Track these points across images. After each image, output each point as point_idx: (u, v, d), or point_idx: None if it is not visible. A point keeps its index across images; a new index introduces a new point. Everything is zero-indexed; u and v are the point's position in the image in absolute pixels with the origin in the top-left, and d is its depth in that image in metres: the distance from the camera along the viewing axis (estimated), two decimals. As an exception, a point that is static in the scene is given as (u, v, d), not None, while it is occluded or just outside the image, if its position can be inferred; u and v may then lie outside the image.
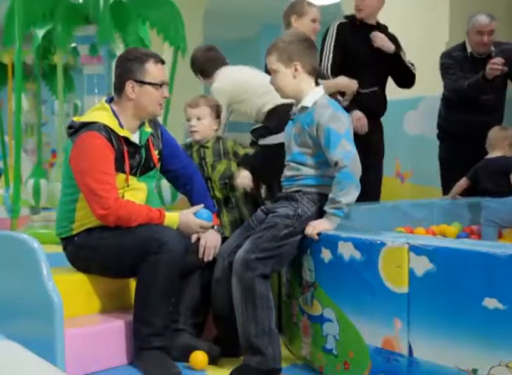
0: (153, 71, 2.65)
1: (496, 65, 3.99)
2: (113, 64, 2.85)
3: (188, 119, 3.08)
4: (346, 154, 2.40)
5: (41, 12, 3.87)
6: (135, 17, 4.04)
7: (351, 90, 3.77)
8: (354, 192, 2.42)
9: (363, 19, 4.03)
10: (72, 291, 2.63)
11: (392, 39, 4.07)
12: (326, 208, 2.44)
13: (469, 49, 4.33)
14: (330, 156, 2.42)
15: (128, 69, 2.65)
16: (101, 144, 2.56)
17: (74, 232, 2.68)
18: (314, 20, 3.65)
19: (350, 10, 4.23)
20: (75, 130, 2.61)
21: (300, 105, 2.57)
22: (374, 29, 4.04)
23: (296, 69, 2.53)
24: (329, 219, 2.43)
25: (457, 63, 4.31)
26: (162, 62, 2.70)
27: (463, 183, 4.02)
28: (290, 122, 2.65)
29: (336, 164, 2.41)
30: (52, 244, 3.01)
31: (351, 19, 4.08)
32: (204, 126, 3.06)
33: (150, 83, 2.64)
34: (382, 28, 4.12)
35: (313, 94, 2.55)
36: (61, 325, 2.33)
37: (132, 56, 2.67)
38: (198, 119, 3.05)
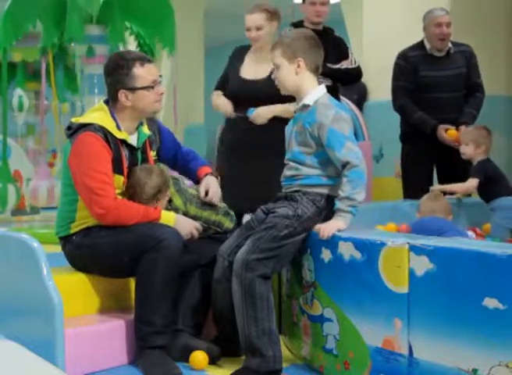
0: (142, 74, 2.64)
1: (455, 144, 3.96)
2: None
3: None
4: (354, 154, 2.42)
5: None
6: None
7: None
8: (364, 191, 2.44)
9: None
10: (72, 291, 2.63)
11: (339, 44, 3.90)
12: (342, 206, 2.43)
13: (428, 46, 4.21)
14: (337, 157, 2.43)
15: (116, 78, 2.64)
16: (98, 144, 2.57)
17: (72, 231, 2.68)
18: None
19: (350, 10, 4.21)
20: (73, 131, 2.63)
21: (301, 104, 2.57)
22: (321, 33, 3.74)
23: (299, 66, 2.53)
24: (344, 218, 2.43)
25: (412, 65, 4.19)
26: (149, 60, 2.68)
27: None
28: (291, 120, 2.65)
29: (346, 164, 2.42)
30: (52, 244, 3.01)
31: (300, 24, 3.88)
32: None
33: (142, 88, 2.63)
34: (330, 32, 3.94)
35: (314, 92, 2.55)
36: (61, 325, 2.33)
37: (117, 65, 2.66)
38: None
